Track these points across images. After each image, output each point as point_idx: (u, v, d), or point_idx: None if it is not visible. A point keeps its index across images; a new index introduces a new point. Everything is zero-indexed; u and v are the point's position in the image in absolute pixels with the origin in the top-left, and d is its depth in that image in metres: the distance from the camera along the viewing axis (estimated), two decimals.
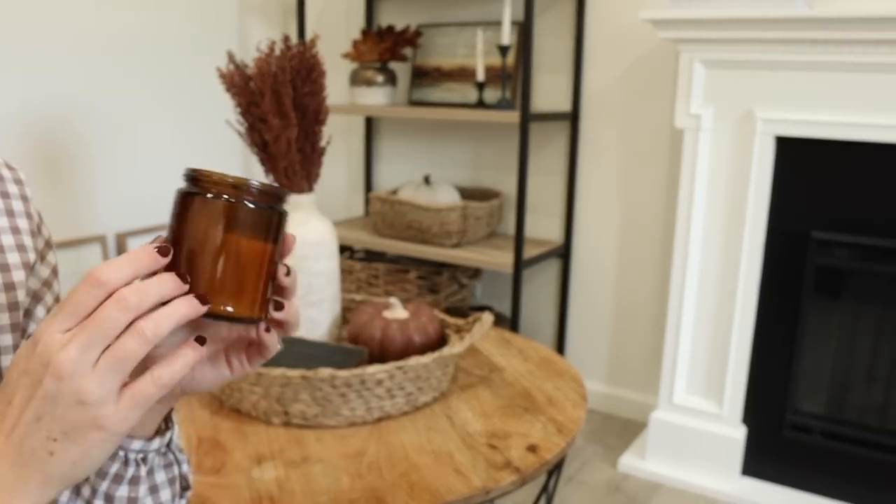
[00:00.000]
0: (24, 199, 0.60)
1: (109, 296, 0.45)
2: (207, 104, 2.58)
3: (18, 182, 0.60)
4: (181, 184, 0.50)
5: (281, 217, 0.51)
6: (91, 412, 0.44)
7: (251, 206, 0.50)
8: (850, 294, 1.96)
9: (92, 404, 0.44)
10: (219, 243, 0.49)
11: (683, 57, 1.94)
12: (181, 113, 2.56)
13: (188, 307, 0.47)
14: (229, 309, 0.50)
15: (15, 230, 0.58)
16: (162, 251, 0.47)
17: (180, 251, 0.49)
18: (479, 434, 1.16)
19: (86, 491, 0.55)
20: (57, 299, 0.63)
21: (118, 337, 0.45)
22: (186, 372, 0.47)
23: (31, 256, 0.59)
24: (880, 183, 1.80)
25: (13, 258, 0.57)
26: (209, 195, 0.49)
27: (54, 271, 0.63)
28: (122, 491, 0.55)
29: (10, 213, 0.58)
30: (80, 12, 2.21)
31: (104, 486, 0.55)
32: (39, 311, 0.60)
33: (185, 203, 0.50)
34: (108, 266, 0.46)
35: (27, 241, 0.59)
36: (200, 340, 0.49)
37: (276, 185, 0.51)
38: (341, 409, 1.16)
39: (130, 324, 0.45)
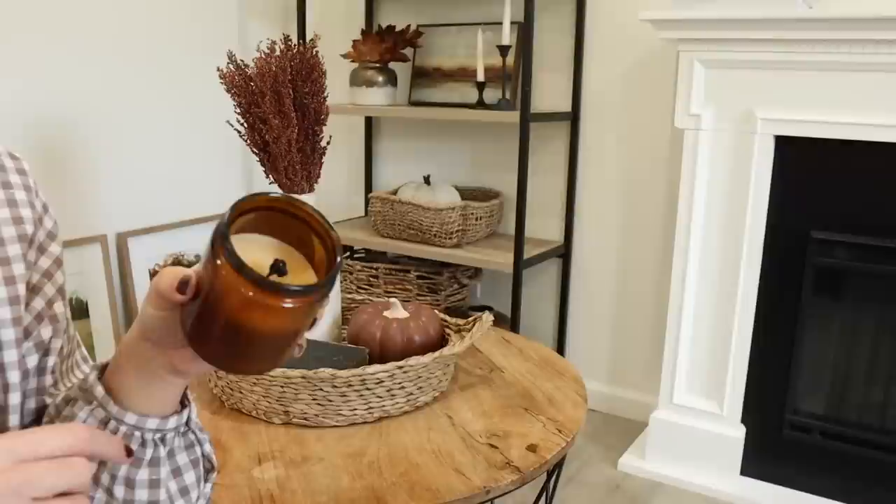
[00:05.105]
0: (28, 188, 0.58)
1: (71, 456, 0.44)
2: (207, 104, 2.58)
3: (22, 172, 0.58)
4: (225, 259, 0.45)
5: (324, 298, 0.48)
6: None
7: (310, 304, 0.46)
8: (850, 294, 1.96)
9: None
10: (260, 336, 0.47)
11: (683, 57, 1.94)
12: (181, 113, 2.56)
13: None
14: (262, 369, 0.51)
15: (17, 220, 0.56)
16: (128, 451, 0.49)
17: (211, 325, 0.47)
18: (479, 434, 1.16)
19: (105, 478, 0.53)
20: (60, 290, 0.60)
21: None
22: None
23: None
24: (880, 183, 1.80)
25: (14, 250, 0.55)
26: (284, 304, 0.45)
27: (57, 262, 0.60)
28: (143, 474, 0.54)
29: (11, 204, 0.56)
30: (80, 13, 2.21)
31: (123, 469, 0.53)
32: (37, 302, 0.58)
33: (239, 298, 0.45)
34: (93, 438, 0.46)
35: (30, 230, 0.57)
36: None
37: (338, 261, 0.48)
38: (342, 408, 1.16)
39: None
